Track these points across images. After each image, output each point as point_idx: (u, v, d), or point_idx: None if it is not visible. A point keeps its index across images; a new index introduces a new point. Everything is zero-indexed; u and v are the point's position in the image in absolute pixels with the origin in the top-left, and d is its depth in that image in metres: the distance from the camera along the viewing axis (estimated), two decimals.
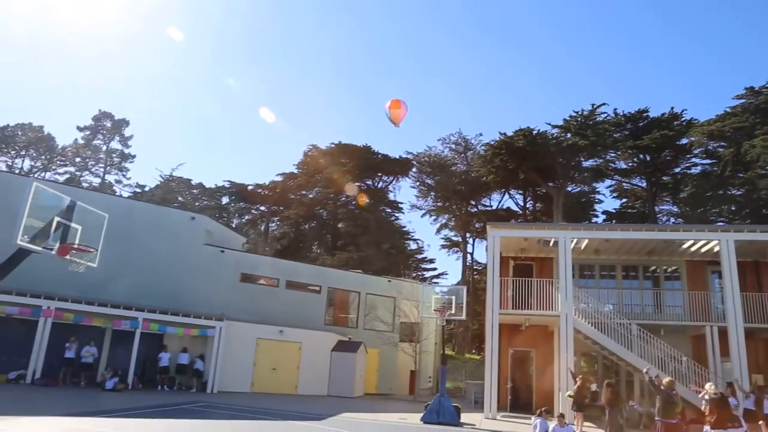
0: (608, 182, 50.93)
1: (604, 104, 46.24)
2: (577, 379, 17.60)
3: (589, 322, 20.13)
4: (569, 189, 49.39)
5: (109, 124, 65.73)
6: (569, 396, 17.52)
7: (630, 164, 48.15)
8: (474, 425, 17.16)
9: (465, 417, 18.04)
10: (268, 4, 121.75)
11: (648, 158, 45.68)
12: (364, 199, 54.51)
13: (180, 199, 59.48)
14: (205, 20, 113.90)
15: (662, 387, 11.29)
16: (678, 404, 11.17)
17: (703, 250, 21.60)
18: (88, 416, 13.21)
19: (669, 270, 23.72)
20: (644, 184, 47.67)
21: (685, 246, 21.60)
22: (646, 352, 19.08)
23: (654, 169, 45.78)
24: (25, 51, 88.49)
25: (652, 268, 23.91)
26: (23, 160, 64.71)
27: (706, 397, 13.33)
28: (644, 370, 12.44)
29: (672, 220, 49.02)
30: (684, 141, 43.97)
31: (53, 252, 9.40)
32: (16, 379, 19.24)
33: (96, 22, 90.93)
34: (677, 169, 45.91)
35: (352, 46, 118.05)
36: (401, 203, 60.94)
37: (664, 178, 46.53)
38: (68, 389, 18.63)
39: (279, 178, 59.76)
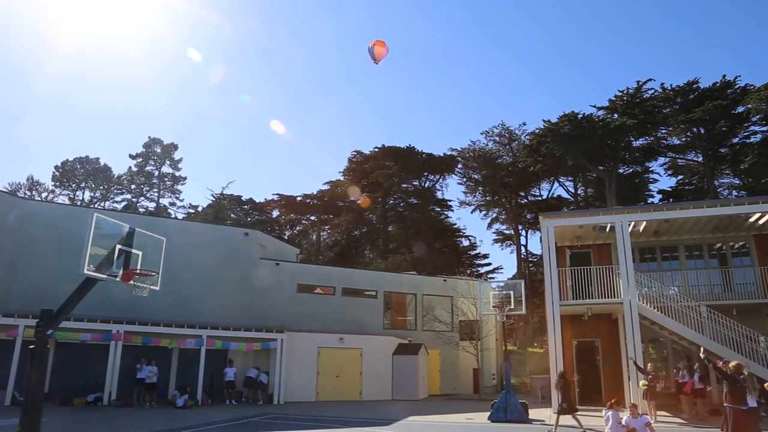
0: (661, 160, 49.21)
1: (650, 80, 44.69)
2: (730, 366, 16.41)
3: (654, 306, 19.44)
4: (621, 171, 47.91)
5: (159, 150, 67.98)
6: (644, 386, 16.95)
7: (683, 139, 46.32)
8: (543, 421, 16.80)
9: (533, 413, 17.73)
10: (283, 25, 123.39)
11: (702, 131, 43.83)
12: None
13: (232, 216, 60.82)
14: (218, 40, 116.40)
15: (728, 371, 10.37)
16: (746, 389, 10.12)
17: None
18: None
19: (736, 246, 22.63)
20: (700, 159, 45.76)
21: (752, 219, 20.54)
22: (719, 334, 18.24)
23: (710, 142, 43.87)
24: (71, 86, 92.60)
25: (718, 245, 22.87)
26: (83, 192, 67.67)
27: None
28: (701, 351, 11.67)
29: (734, 193, 46.76)
30: (740, 109, 41.95)
31: (117, 279, 9.72)
32: (94, 402, 20.11)
33: (123, 49, 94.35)
34: (735, 140, 43.86)
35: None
36: (450, 201, 60.64)
37: (722, 150, 44.52)
38: (143, 409, 19.32)
39: (326, 187, 60.41)
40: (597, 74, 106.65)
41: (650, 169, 49.86)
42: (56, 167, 66.44)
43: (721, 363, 11.25)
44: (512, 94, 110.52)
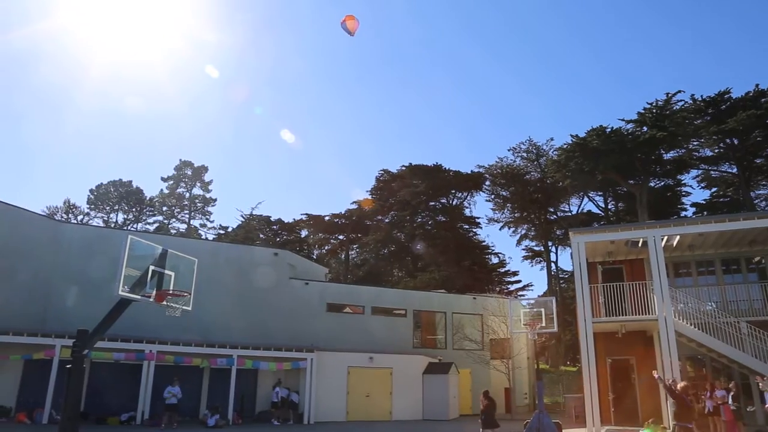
0: (694, 172, 48.09)
1: (680, 91, 43.83)
2: (678, 386, 16.47)
3: (691, 323, 18.92)
4: (652, 184, 46.99)
5: (189, 172, 69.33)
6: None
7: (716, 151, 45.29)
8: None
9: None
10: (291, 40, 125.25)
11: (736, 142, 42.82)
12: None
13: (261, 236, 61.46)
14: (235, 57, 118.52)
15: (677, 391, 11.39)
16: (693, 409, 11.39)
17: None
18: None
19: None
20: (735, 170, 44.66)
21: None
22: (760, 351, 17.65)
23: (744, 153, 42.80)
24: (103, 107, 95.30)
25: (756, 259, 22.19)
26: (117, 214, 69.24)
27: None
28: (655, 375, 12.52)
29: None
30: None
31: (151, 299, 9.91)
32: (128, 421, 20.36)
33: (151, 74, 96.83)
34: None
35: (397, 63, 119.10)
36: (478, 218, 60.23)
37: (757, 160, 43.37)
38: (174, 429, 19.43)
39: (354, 206, 60.66)
40: (618, 92, 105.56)
41: (683, 182, 48.85)
42: (91, 190, 68.24)
43: (670, 382, 12.15)
44: (535, 111, 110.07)
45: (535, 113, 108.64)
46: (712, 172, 47.71)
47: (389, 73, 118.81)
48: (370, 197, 60.45)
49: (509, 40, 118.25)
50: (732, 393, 14.91)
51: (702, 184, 49.21)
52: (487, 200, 59.69)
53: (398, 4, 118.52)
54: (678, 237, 20.45)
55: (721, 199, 47.03)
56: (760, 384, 14.48)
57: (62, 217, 63.92)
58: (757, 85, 41.73)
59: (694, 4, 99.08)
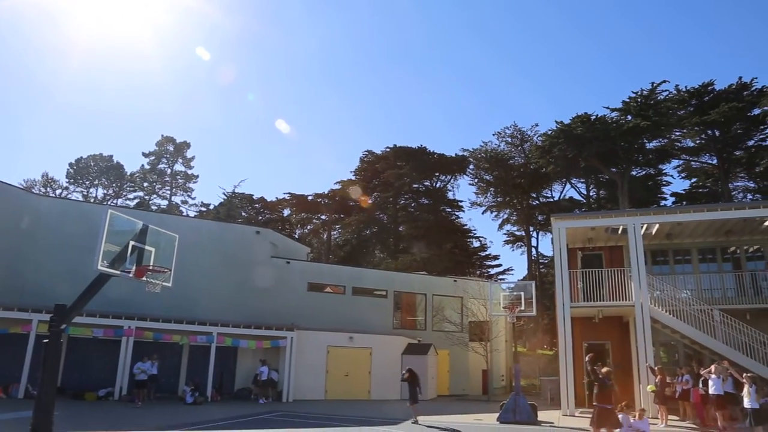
0: (675, 162, 48.61)
1: (664, 81, 44.11)
2: (657, 370, 17.00)
3: (666, 310, 19.30)
4: (634, 173, 47.47)
5: (171, 148, 68.49)
6: (652, 390, 16.93)
7: (698, 142, 45.81)
8: (552, 423, 16.75)
9: (542, 415, 17.65)
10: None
11: (717, 133, 43.32)
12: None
13: (243, 214, 61.11)
14: (227, 39, 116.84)
15: (601, 375, 12.49)
16: (614, 392, 12.63)
17: None
18: (176, 429, 13.80)
19: (750, 250, 22.40)
20: (715, 161, 45.23)
21: (766, 223, 20.32)
22: (732, 339, 18.10)
23: (724, 145, 43.35)
24: (86, 84, 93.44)
25: (732, 249, 22.65)
26: (96, 189, 68.32)
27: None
28: (586, 359, 13.49)
29: (749, 196, 46.22)
30: (756, 111, 41.39)
31: (131, 275, 9.80)
32: (105, 396, 20.30)
33: (135, 48, 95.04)
34: (750, 142, 43.20)
35: (385, 50, 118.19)
36: (461, 201, 60.38)
37: (737, 152, 43.95)
38: (152, 405, 19.43)
39: (337, 186, 60.51)
40: (609, 77, 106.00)
41: (663, 171, 49.40)
42: (70, 164, 67.21)
43: (596, 367, 13.00)
44: (523, 96, 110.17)
45: (529, 98, 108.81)
46: (692, 163, 48.29)
47: (378, 53, 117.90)
48: (359, 188, 60.22)
49: (501, 22, 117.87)
50: (715, 377, 15.29)
51: (682, 175, 49.85)
52: (470, 184, 59.97)
53: None
54: (657, 225, 20.77)
55: (701, 190, 47.67)
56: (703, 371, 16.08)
57: (40, 190, 62.92)
58: (740, 78, 42.19)
59: None
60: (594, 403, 12.59)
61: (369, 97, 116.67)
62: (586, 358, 13.44)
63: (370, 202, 56.31)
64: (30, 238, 23.16)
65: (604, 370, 12.88)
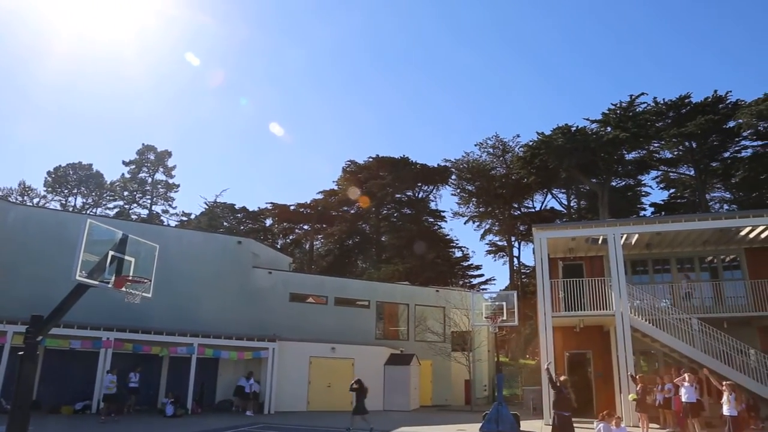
0: (654, 173, 49.45)
1: (642, 94, 44.97)
2: (638, 379, 17.15)
3: (646, 319, 19.51)
4: (613, 184, 48.13)
5: (152, 157, 67.86)
6: (633, 399, 17.07)
7: (675, 153, 46.64)
8: None
9: (524, 425, 17.69)
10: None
11: (694, 145, 44.13)
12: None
13: (225, 224, 60.68)
14: (215, 44, 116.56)
15: (558, 383, 12.86)
16: (571, 399, 13.13)
17: (763, 236, 20.65)
18: None
19: (727, 260, 22.77)
20: (692, 173, 46.04)
21: (742, 233, 20.71)
22: (710, 347, 18.33)
23: (701, 156, 44.17)
24: (65, 90, 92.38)
25: (709, 258, 23.01)
26: (75, 198, 67.37)
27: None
28: (545, 366, 14.32)
29: (726, 207, 47.12)
30: (731, 124, 42.23)
31: (110, 285, 9.68)
32: (82, 410, 19.89)
33: (118, 53, 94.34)
34: (726, 154, 44.08)
35: (369, 59, 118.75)
36: (443, 212, 60.60)
37: (713, 164, 44.78)
38: (131, 418, 19.08)
39: (320, 196, 60.39)
40: (588, 89, 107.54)
41: (643, 182, 50.21)
42: (49, 173, 66.25)
43: (554, 376, 13.66)
44: (506, 106, 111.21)
45: (511, 108, 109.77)
46: (671, 174, 49.11)
47: (363, 63, 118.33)
48: (337, 188, 60.16)
49: (485, 33, 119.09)
50: (688, 386, 15.52)
51: (661, 185, 50.71)
52: (452, 194, 60.20)
53: None
54: (636, 235, 21.06)
55: (679, 200, 48.48)
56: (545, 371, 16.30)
57: (17, 199, 61.86)
58: (715, 91, 43.14)
59: (690, 3, 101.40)
60: (551, 411, 13.19)
61: (355, 104, 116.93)
62: (545, 366, 14.13)
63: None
64: (6, 248, 22.70)
65: (562, 378, 13.40)
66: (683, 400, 15.64)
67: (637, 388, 16.91)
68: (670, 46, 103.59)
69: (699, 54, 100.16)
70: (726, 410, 13.38)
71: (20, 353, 8.75)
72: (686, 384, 15.59)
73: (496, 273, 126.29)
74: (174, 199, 68.58)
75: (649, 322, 19.31)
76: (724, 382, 14.15)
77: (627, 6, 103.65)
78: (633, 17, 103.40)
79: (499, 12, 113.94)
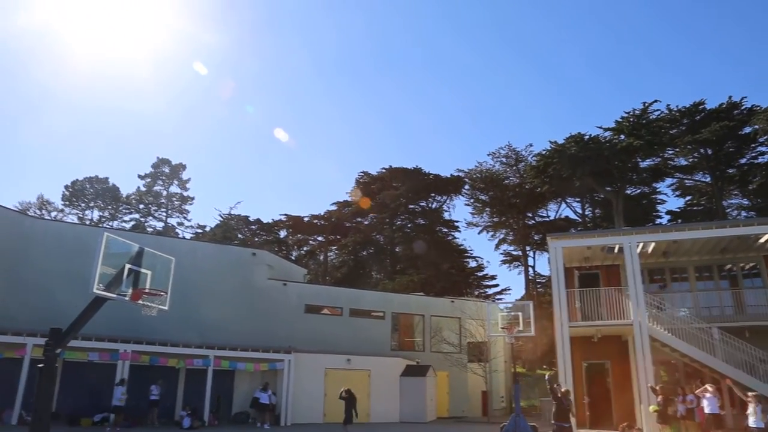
0: (669, 181, 49.01)
1: (656, 101, 44.65)
2: (658, 390, 16.88)
3: (665, 328, 19.24)
4: (628, 192, 47.77)
5: (167, 170, 68.45)
6: (654, 410, 16.79)
7: (691, 160, 46.21)
8: None
9: None
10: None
11: (710, 152, 43.72)
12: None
13: (239, 236, 60.93)
14: (224, 55, 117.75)
15: (559, 395, 12.99)
16: (571, 411, 13.32)
17: None
18: None
19: (747, 267, 22.42)
20: (708, 179, 45.59)
21: (761, 240, 20.40)
22: (732, 357, 18.01)
23: (717, 163, 43.72)
24: (83, 108, 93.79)
25: (728, 266, 22.68)
26: (92, 212, 68.05)
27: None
28: (546, 377, 14.26)
29: (743, 213, 46.49)
30: (747, 130, 41.84)
31: (127, 298, 9.73)
32: (101, 422, 20.00)
33: (132, 71, 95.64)
34: (743, 160, 43.64)
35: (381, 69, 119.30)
36: (457, 222, 60.45)
37: (730, 170, 44.33)
38: (152, 430, 19.09)
39: (333, 207, 60.49)
40: (588, 89, 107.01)
41: (658, 190, 49.80)
42: (66, 187, 66.96)
43: (555, 386, 13.52)
44: (517, 115, 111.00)
45: (523, 117, 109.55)
46: (686, 181, 48.62)
47: (377, 73, 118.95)
48: (360, 195, 60.24)
49: (500, 42, 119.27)
50: (710, 397, 15.23)
51: (676, 193, 50.17)
52: (466, 204, 60.09)
53: (388, 2, 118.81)
54: (653, 244, 20.82)
55: (695, 208, 47.95)
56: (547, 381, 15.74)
57: (35, 213, 62.61)
58: (729, 97, 42.73)
59: (693, 6, 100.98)
60: (552, 422, 13.20)
61: (368, 116, 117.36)
62: (546, 377, 14.20)
63: (366, 199, 56.34)
64: (25, 262, 23.01)
65: (563, 390, 13.57)
66: (706, 411, 15.33)
67: (659, 399, 16.65)
68: (670, 46, 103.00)
69: (699, 54, 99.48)
70: (752, 422, 13.09)
71: (40, 366, 8.80)
72: (708, 395, 15.31)
73: (512, 283, 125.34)
74: (189, 212, 68.99)
75: (668, 332, 19.04)
76: (748, 393, 13.89)
77: (627, 6, 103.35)
78: (633, 17, 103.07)
79: (499, 12, 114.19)
